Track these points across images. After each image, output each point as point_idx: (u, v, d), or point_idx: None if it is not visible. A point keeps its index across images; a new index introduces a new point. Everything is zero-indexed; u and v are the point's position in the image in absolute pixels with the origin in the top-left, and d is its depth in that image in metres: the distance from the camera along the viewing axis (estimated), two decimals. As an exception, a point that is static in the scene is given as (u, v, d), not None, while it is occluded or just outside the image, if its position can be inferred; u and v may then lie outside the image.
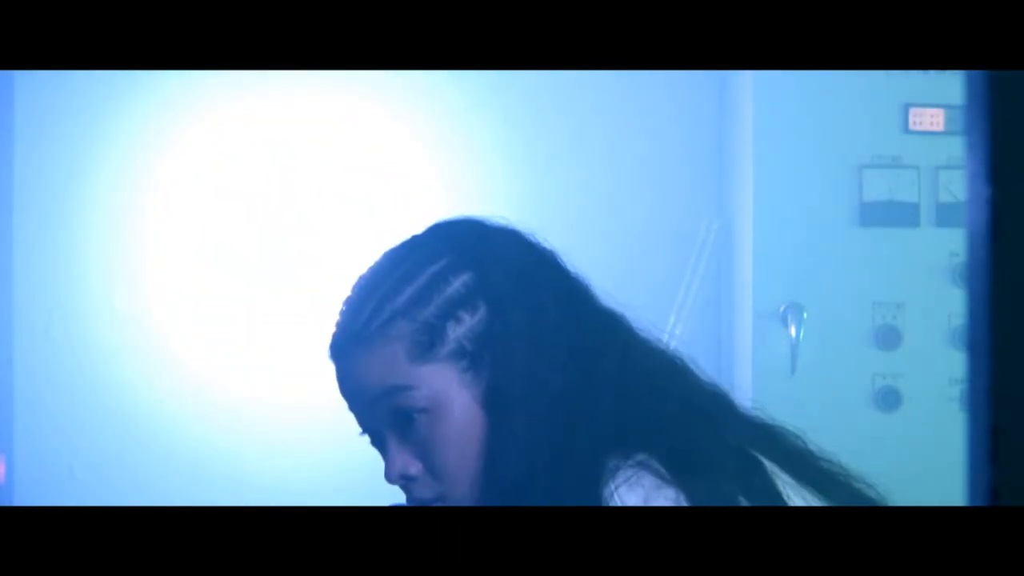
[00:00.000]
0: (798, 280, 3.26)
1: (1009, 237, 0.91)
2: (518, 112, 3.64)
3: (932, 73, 3.22)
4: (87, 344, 3.59)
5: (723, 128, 3.60)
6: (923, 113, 3.27)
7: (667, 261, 3.55)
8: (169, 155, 3.61)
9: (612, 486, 1.62)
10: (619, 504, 1.61)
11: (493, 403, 1.70)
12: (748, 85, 3.32)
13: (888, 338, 3.26)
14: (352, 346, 1.74)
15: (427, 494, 1.73)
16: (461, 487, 1.71)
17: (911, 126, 3.28)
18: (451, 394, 1.71)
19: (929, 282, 3.26)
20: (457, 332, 1.71)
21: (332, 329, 1.77)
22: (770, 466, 1.72)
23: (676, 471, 1.64)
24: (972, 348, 0.93)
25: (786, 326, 3.24)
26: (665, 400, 1.73)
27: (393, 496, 1.79)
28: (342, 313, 1.77)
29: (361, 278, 1.78)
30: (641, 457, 1.64)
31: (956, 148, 3.28)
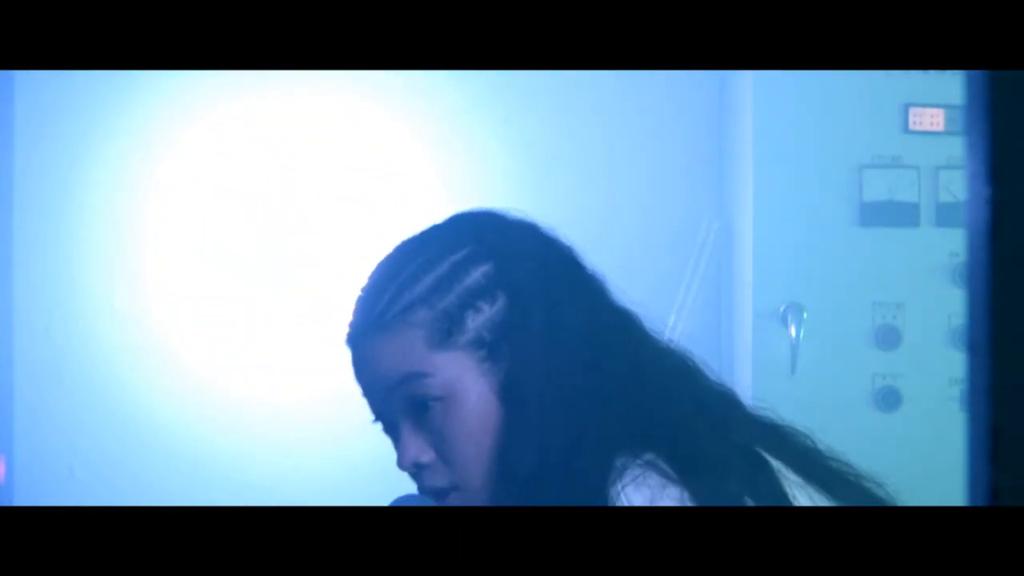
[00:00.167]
0: (798, 280, 3.26)
1: (1009, 237, 0.91)
2: (518, 112, 3.63)
3: (932, 73, 3.22)
4: (87, 344, 3.59)
5: (723, 128, 3.60)
6: (923, 113, 3.27)
7: (667, 261, 3.55)
8: (169, 155, 3.61)
9: (619, 485, 1.63)
10: (625, 503, 1.61)
11: (509, 394, 1.71)
12: (748, 85, 3.32)
13: (888, 338, 3.26)
14: (370, 332, 1.74)
15: (439, 482, 1.73)
16: (472, 477, 1.71)
17: (911, 126, 3.27)
18: (467, 383, 1.71)
19: (929, 282, 3.26)
20: (476, 321, 1.72)
21: (349, 317, 1.77)
22: (777, 465, 1.72)
23: (682, 471, 1.64)
24: (972, 348, 0.93)
25: (786, 326, 3.24)
26: (676, 401, 1.74)
27: (395, 492, 1.79)
28: (360, 300, 1.77)
29: (379, 266, 1.78)
30: (649, 456, 1.65)
31: (956, 148, 3.28)
